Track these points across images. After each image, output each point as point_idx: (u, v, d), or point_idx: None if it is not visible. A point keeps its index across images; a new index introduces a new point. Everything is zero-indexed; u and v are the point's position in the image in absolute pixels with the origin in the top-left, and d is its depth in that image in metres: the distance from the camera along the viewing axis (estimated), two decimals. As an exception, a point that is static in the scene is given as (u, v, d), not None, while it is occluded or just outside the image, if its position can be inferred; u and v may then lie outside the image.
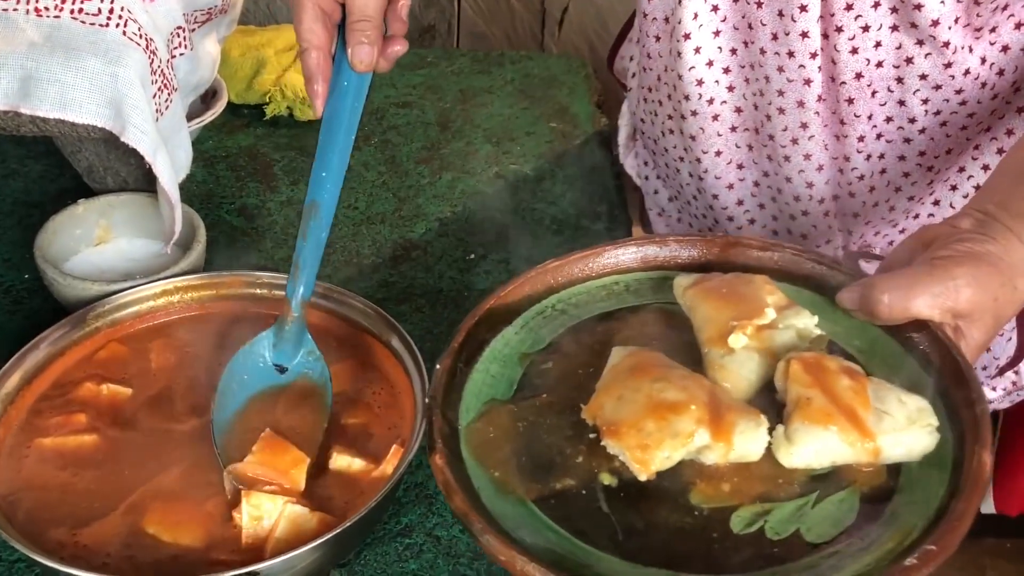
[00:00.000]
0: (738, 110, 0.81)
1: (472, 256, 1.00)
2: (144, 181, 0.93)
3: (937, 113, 0.77)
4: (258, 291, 0.83)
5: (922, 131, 0.78)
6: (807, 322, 0.62)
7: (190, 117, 1.03)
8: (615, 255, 0.71)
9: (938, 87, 0.75)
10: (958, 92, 0.75)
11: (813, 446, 0.55)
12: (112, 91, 0.78)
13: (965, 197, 0.83)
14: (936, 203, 0.85)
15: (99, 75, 0.77)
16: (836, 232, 0.87)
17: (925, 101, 0.76)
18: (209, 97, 1.11)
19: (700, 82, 0.80)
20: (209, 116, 1.07)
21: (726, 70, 0.80)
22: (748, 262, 0.69)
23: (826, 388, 0.56)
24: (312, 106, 0.73)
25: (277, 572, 0.62)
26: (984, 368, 0.90)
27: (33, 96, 0.76)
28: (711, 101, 0.80)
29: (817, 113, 0.78)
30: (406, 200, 1.07)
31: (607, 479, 0.56)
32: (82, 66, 0.77)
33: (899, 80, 0.76)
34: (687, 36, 0.79)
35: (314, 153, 1.18)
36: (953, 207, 0.84)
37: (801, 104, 0.78)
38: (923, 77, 0.75)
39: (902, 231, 0.87)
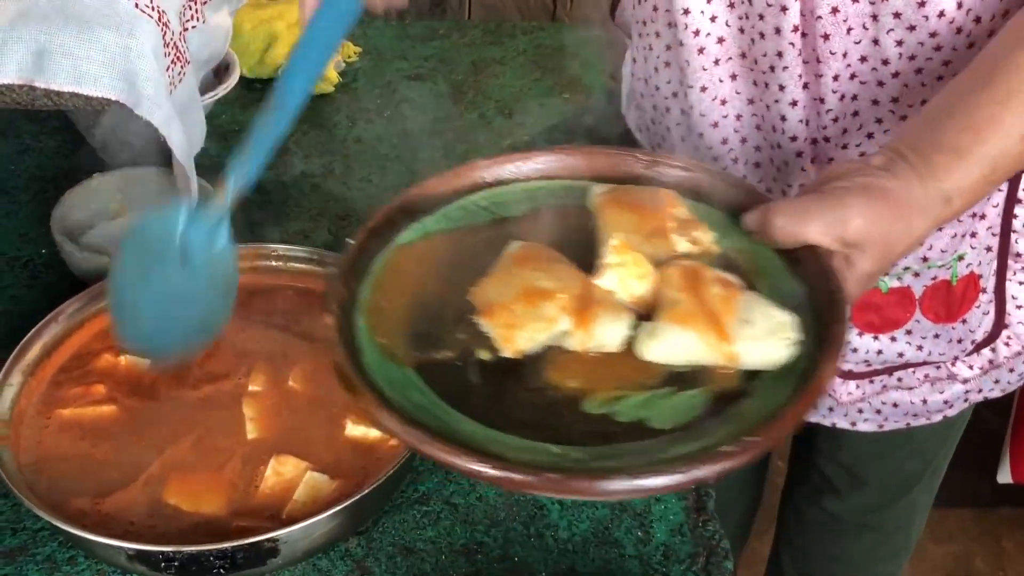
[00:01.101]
0: (720, 40, 0.81)
1: (486, 227, 1.00)
2: (159, 155, 0.93)
3: (912, 58, 0.77)
4: (273, 263, 0.83)
5: (895, 75, 0.78)
6: (704, 236, 0.64)
7: (203, 91, 1.02)
8: (545, 160, 0.72)
9: (912, 28, 0.75)
10: (932, 35, 0.74)
11: (670, 342, 0.58)
12: (126, 64, 0.78)
13: None
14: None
15: (112, 48, 0.77)
16: (810, 175, 0.87)
17: (899, 43, 0.76)
18: (222, 71, 1.11)
19: (686, 11, 0.80)
20: (222, 90, 1.07)
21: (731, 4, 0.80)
22: (669, 181, 0.71)
23: (696, 293, 0.60)
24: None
25: (296, 539, 0.62)
26: (959, 342, 0.89)
27: (47, 70, 0.76)
28: (697, 32, 0.81)
29: (792, 44, 0.78)
30: (419, 173, 1.07)
31: (484, 355, 0.58)
32: (95, 39, 0.77)
33: (874, 17, 0.75)
34: None
35: (328, 127, 1.18)
36: None
37: (777, 31, 0.77)
38: (897, 15, 0.74)
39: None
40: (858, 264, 0.60)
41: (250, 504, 0.66)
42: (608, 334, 0.58)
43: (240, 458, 0.69)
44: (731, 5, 0.79)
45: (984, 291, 0.88)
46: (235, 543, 0.60)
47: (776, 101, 0.81)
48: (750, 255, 0.64)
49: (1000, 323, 0.90)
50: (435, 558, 0.68)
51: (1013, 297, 0.89)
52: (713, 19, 0.80)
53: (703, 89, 0.83)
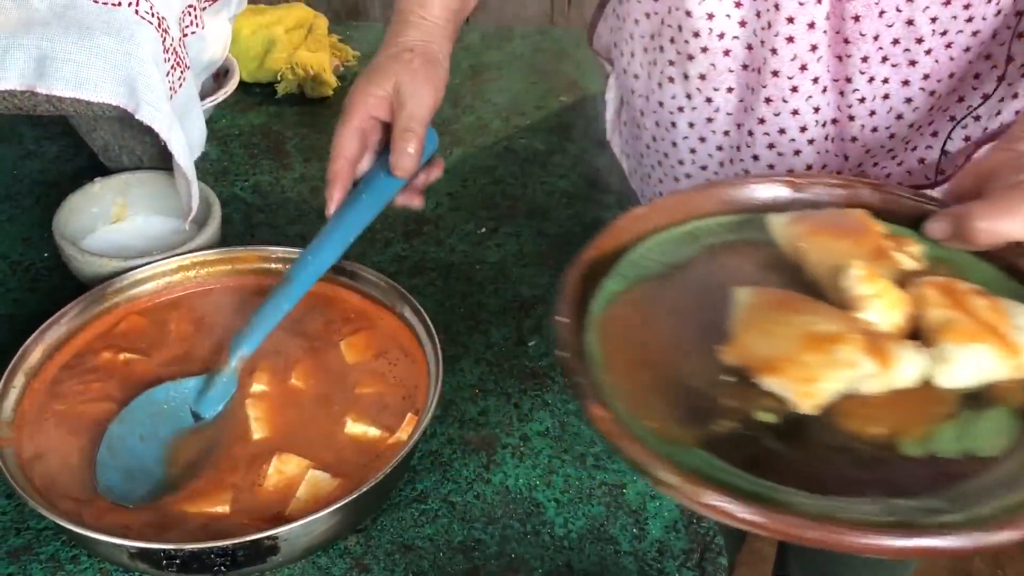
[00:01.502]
0: (726, 53, 0.82)
1: (484, 230, 1.00)
2: (159, 159, 0.94)
3: (944, 33, 0.77)
4: (272, 265, 0.84)
5: (928, 52, 0.78)
6: (915, 250, 0.62)
7: (203, 96, 1.04)
8: (692, 200, 0.68)
9: (948, 2, 0.75)
10: (966, 7, 0.75)
11: (968, 364, 0.55)
12: (126, 69, 0.79)
13: (965, 129, 0.83)
14: (934, 135, 0.85)
15: (113, 54, 0.78)
16: (839, 162, 0.87)
17: (934, 19, 0.76)
18: (221, 76, 1.13)
19: (711, 15, 0.81)
20: (222, 95, 1.08)
21: (738, 3, 0.80)
22: (826, 200, 0.68)
23: (964, 309, 0.56)
24: (325, 206, 0.77)
25: (297, 537, 0.63)
26: None
27: (49, 75, 0.77)
28: (722, 35, 0.81)
29: (824, 32, 0.78)
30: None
31: (765, 417, 0.54)
32: (96, 45, 0.78)
33: None
34: None
35: (325, 131, 1.19)
36: (952, 139, 0.84)
37: (812, 26, 0.78)
38: None
39: (900, 163, 0.87)
40: None
41: (253, 503, 0.66)
42: (910, 370, 0.55)
43: (244, 459, 0.70)
44: (758, 14, 0.79)
45: None
46: (235, 540, 0.60)
47: (809, 97, 0.81)
48: (951, 262, 0.62)
49: None
50: (433, 555, 0.69)
51: None
52: (727, 36, 0.81)
53: (729, 90, 0.84)
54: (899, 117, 0.82)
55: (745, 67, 0.83)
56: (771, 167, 0.87)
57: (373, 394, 0.75)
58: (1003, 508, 0.48)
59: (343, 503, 0.63)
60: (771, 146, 0.86)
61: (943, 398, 0.55)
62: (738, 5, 0.80)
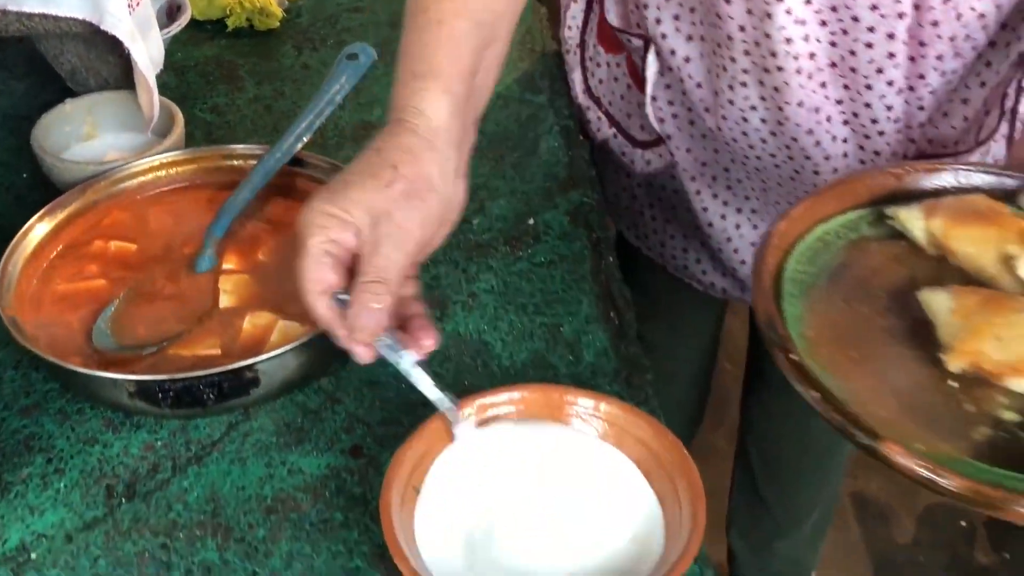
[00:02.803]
0: (812, 55, 0.84)
1: (427, 131, 1.10)
2: (123, 80, 1.03)
3: (1002, 12, 0.81)
4: (235, 162, 0.93)
5: (980, 16, 0.82)
6: None
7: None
8: (814, 206, 0.69)
9: None
10: None
11: None
12: (88, -12, 0.87)
13: (984, 87, 0.88)
14: (965, 101, 0.89)
15: (75, -26, 0.87)
16: (903, 144, 0.92)
17: (999, 6, 0.81)
18: (174, 11, 1.21)
19: (789, 40, 0.83)
20: (176, 27, 1.17)
21: (804, 22, 0.83)
22: (929, 187, 0.71)
23: None
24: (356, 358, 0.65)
25: (275, 369, 0.73)
26: None
27: (18, -4, 0.85)
28: (797, 57, 0.84)
29: (904, 43, 0.82)
30: (363, 89, 1.16)
31: (1010, 415, 0.56)
32: (60, -33, 0.86)
33: None
34: None
35: (274, 57, 1.27)
36: (984, 103, 0.89)
37: (891, 36, 0.82)
38: None
39: (953, 127, 0.91)
40: None
41: (236, 348, 0.76)
42: None
43: (218, 319, 0.79)
44: (823, 23, 0.82)
45: None
46: (220, 369, 0.70)
47: (882, 96, 0.86)
48: None
49: None
50: (396, 388, 0.79)
51: None
52: (806, 39, 0.84)
53: (800, 104, 0.88)
54: (965, 101, 0.88)
55: (811, 76, 0.85)
56: (845, 156, 0.93)
57: (334, 260, 0.84)
58: None
59: (314, 335, 0.72)
60: (845, 139, 0.91)
61: None
62: (809, 24, 0.81)
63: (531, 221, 0.97)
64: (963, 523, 1.73)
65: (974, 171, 0.72)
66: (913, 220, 0.69)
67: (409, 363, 0.65)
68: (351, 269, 0.64)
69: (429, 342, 0.66)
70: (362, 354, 0.65)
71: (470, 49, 0.71)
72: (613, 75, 1.09)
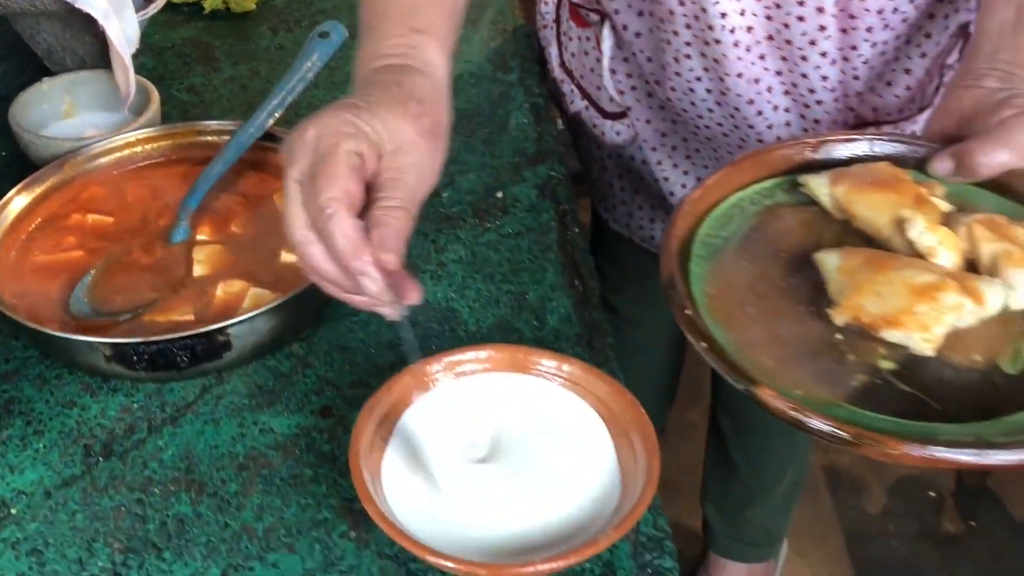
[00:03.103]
0: (750, 29, 0.88)
1: (399, 109, 1.12)
2: (100, 59, 1.05)
3: None
4: (209, 138, 0.95)
5: (917, 7, 0.87)
6: (940, 191, 0.69)
7: (136, 11, 1.14)
8: (730, 174, 0.72)
9: None
10: None
11: None
12: (63, -32, 0.89)
13: (925, 57, 0.92)
14: (907, 71, 0.94)
15: (50, -45, 0.89)
16: (843, 112, 0.95)
17: None
18: (151, -7, 1.23)
19: (724, 15, 0.87)
20: (153, 8, 1.18)
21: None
22: (843, 156, 0.74)
23: (1012, 239, 0.64)
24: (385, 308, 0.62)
25: (246, 333, 0.75)
26: None
27: (-6, -23, 0.87)
28: (733, 30, 0.88)
29: (834, 16, 0.86)
30: (337, 68, 1.19)
31: (887, 364, 0.60)
32: (34, -53, 0.88)
33: None
34: None
35: (251, 39, 1.29)
36: (925, 72, 0.93)
37: (820, 10, 0.85)
38: None
39: (897, 96, 0.96)
40: None
41: (210, 314, 0.78)
42: (995, 301, 0.62)
43: (192, 287, 0.81)
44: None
45: None
46: (192, 332, 0.73)
47: (817, 67, 0.90)
48: (962, 195, 0.70)
49: None
50: (365, 352, 0.81)
51: None
52: (742, 13, 0.87)
53: (739, 75, 0.92)
54: (906, 71, 0.91)
55: (748, 48, 0.88)
56: (787, 124, 0.97)
57: (305, 231, 0.87)
58: None
59: (284, 299, 0.75)
60: (787, 109, 0.96)
61: (1014, 318, 0.63)
62: None
63: (499, 194, 0.99)
64: (932, 494, 1.77)
65: (887, 140, 0.75)
66: (820, 187, 0.72)
67: (399, 313, 0.64)
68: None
69: (415, 294, 0.62)
70: (376, 280, 0.59)
71: (458, 8, 0.73)
72: (584, 49, 1.12)
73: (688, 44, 0.93)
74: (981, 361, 0.61)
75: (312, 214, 0.59)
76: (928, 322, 0.61)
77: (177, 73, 1.19)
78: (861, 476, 1.80)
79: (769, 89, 0.94)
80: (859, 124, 0.97)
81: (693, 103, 0.98)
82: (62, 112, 1.03)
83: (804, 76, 0.92)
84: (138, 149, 0.94)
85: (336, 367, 0.80)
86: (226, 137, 0.93)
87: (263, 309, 0.75)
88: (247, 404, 0.76)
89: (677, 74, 0.96)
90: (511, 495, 0.64)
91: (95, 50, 1.04)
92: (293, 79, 0.93)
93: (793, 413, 0.56)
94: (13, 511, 0.69)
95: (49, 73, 1.06)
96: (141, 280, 0.82)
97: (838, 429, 0.55)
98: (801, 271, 0.67)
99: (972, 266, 0.67)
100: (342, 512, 0.68)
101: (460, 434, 0.67)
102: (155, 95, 0.99)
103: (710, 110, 0.97)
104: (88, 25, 0.98)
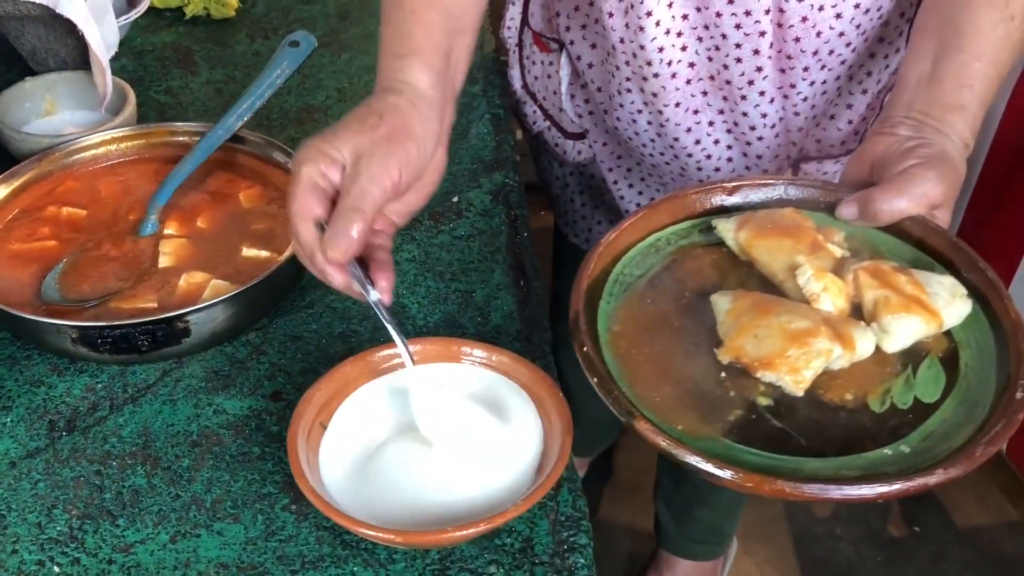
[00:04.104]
0: (692, 65, 0.93)
1: (366, 115, 1.18)
2: (81, 61, 1.10)
3: (864, 32, 0.91)
4: (181, 138, 1.01)
5: (853, 50, 0.92)
6: (839, 236, 0.74)
7: (117, 15, 1.19)
8: (649, 216, 0.77)
9: (867, 10, 0.89)
10: (878, 8, 0.89)
11: (904, 332, 0.68)
12: (46, -24, 0.95)
13: (867, 94, 0.97)
14: (849, 107, 1.00)
15: (34, -37, 0.94)
16: (785, 147, 1.00)
17: (858, 26, 0.90)
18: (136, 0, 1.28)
19: (661, 49, 0.91)
20: (135, 14, 1.24)
21: (680, 34, 0.91)
22: (757, 200, 0.78)
23: (892, 286, 0.68)
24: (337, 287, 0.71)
25: (204, 321, 0.81)
26: None
27: (-19, -18, 0.93)
28: (670, 63, 0.93)
29: (769, 57, 0.91)
30: (309, 76, 1.25)
31: (764, 400, 0.65)
32: (20, -45, 0.94)
33: (838, 16, 0.89)
34: (649, 14, 0.90)
35: (229, 44, 1.35)
36: (868, 108, 0.99)
37: (756, 52, 0.90)
38: (856, 6, 0.88)
39: (839, 129, 1.02)
40: (941, 218, 0.73)
41: (172, 303, 0.84)
42: (867, 346, 0.67)
43: (157, 278, 0.87)
44: (699, 39, 0.91)
45: None
46: (153, 318, 0.78)
47: (756, 106, 0.95)
48: (863, 240, 0.74)
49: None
50: (317, 342, 0.87)
51: None
52: (684, 49, 0.93)
53: (677, 104, 0.97)
54: (848, 107, 0.97)
55: (689, 82, 0.93)
56: (729, 160, 1.03)
57: (265, 229, 0.93)
58: (949, 449, 0.61)
59: (240, 290, 0.81)
60: (729, 146, 1.01)
61: (889, 360, 0.68)
62: (680, 35, 0.89)
63: (455, 199, 1.05)
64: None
65: (802, 185, 0.79)
66: (727, 231, 0.77)
67: (375, 298, 0.72)
68: (334, 203, 0.70)
69: (384, 283, 0.72)
70: (336, 276, 0.70)
71: (443, 33, 0.79)
72: (547, 72, 1.18)
73: (628, 79, 0.98)
74: (852, 400, 0.66)
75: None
76: (799, 365, 0.65)
77: (156, 75, 1.25)
78: (812, 481, 1.85)
79: (711, 123, 0.99)
80: (802, 159, 1.02)
81: (636, 133, 1.03)
82: (43, 110, 1.08)
83: (744, 114, 0.97)
84: (113, 147, 1.00)
85: (289, 355, 0.86)
86: (197, 138, 0.99)
87: (220, 299, 0.80)
88: (203, 387, 0.82)
89: (621, 105, 1.01)
90: (440, 472, 0.70)
91: (76, 52, 1.09)
92: (263, 85, 0.99)
93: (665, 446, 0.61)
94: (-20, 479, 0.74)
95: (32, 73, 1.12)
96: (109, 270, 0.88)
97: (703, 462, 0.59)
98: (700, 311, 0.72)
99: (859, 310, 0.71)
100: (285, 487, 0.74)
101: (392, 419, 0.73)
102: (131, 96, 1.05)
103: (652, 140, 1.03)
104: (70, 29, 1.04)
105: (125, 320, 0.78)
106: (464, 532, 0.62)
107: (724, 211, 0.80)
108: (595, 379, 0.65)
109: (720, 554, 1.62)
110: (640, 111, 1.00)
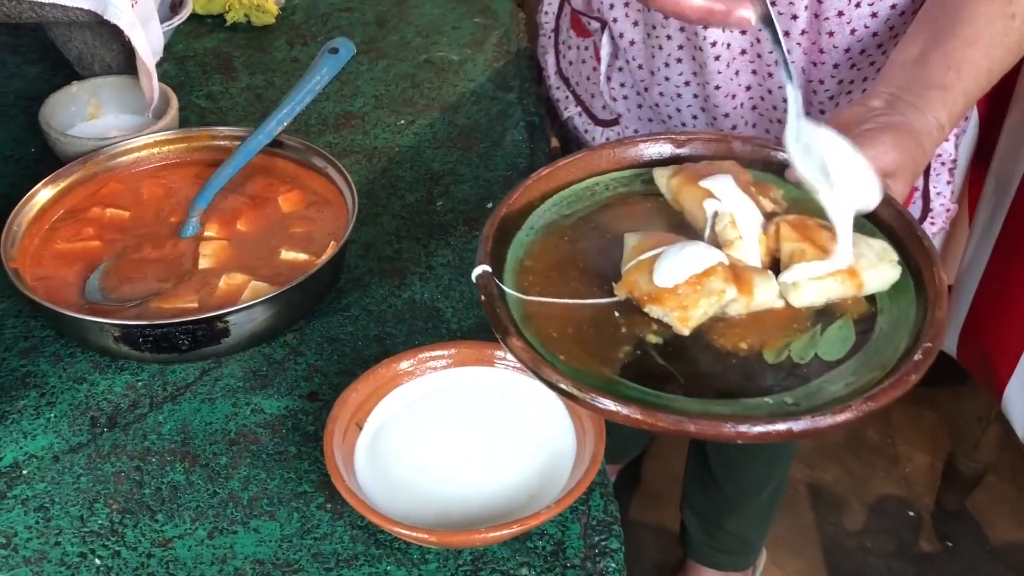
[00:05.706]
0: (728, 45, 0.94)
1: (403, 122, 1.19)
2: (126, 66, 1.13)
3: (896, 37, 0.91)
4: (221, 142, 1.03)
5: (884, 52, 0.92)
6: (776, 194, 0.73)
7: (161, 21, 1.22)
8: (590, 159, 0.77)
9: (903, 12, 0.89)
10: (914, 13, 0.87)
11: (814, 287, 0.66)
12: (94, -18, 0.97)
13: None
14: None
15: (83, -31, 0.97)
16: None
17: (891, 28, 0.90)
18: (177, 5, 1.31)
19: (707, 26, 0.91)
20: (177, 20, 1.27)
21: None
22: (706, 153, 0.78)
23: (813, 240, 0.67)
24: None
25: (243, 322, 0.82)
26: None
27: (31, -12, 0.95)
28: (714, 44, 0.95)
29: (799, 44, 0.92)
30: (347, 82, 1.27)
31: (653, 339, 0.64)
32: (69, -38, 0.96)
33: (874, 15, 0.89)
34: None
35: (269, 51, 1.37)
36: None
37: (787, 34, 0.91)
38: (893, 7, 0.89)
39: None
40: (895, 188, 0.71)
41: (212, 303, 0.85)
42: (766, 294, 0.66)
43: (197, 279, 0.89)
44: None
45: (917, 188, 1.05)
46: (194, 318, 0.80)
47: (780, 87, 0.96)
48: (810, 202, 0.71)
49: (926, 210, 1.06)
50: (353, 344, 0.88)
51: (934, 187, 1.06)
52: (724, 29, 0.93)
53: (717, 87, 0.99)
54: (848, 92, 0.97)
55: (729, 64, 0.95)
56: (752, 122, 1.03)
57: (303, 232, 0.94)
58: (836, 398, 0.60)
59: (279, 292, 0.82)
60: (754, 124, 1.03)
61: (799, 316, 0.66)
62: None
63: (490, 205, 1.06)
64: (911, 513, 1.81)
65: (756, 145, 0.77)
66: (661, 177, 0.76)
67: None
68: None
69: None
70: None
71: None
72: (581, 57, 1.20)
73: (680, 48, 1.00)
74: (746, 349, 0.65)
75: None
76: (686, 303, 0.64)
77: (197, 81, 1.27)
78: (842, 494, 1.85)
79: (742, 104, 1.01)
80: None
81: (679, 109, 1.05)
82: (88, 114, 1.11)
83: (770, 92, 0.98)
84: (155, 150, 1.01)
85: (325, 356, 0.87)
86: (237, 142, 1.01)
87: (260, 300, 0.82)
88: (241, 386, 0.84)
89: (667, 79, 1.03)
90: (473, 474, 0.71)
91: (122, 57, 1.12)
92: (302, 91, 1.00)
93: (531, 365, 0.61)
94: (24, 472, 0.76)
95: (78, 77, 1.14)
96: (151, 270, 0.89)
97: (562, 383, 0.60)
98: (614, 254, 0.71)
99: (778, 266, 0.70)
100: (320, 486, 0.75)
101: (428, 421, 0.74)
102: (174, 100, 1.07)
103: (694, 116, 1.05)
104: (116, 34, 1.06)
105: (166, 320, 0.80)
106: (497, 533, 0.63)
107: (673, 162, 0.78)
108: (483, 297, 0.65)
109: (749, 565, 1.62)
110: (688, 83, 1.02)
